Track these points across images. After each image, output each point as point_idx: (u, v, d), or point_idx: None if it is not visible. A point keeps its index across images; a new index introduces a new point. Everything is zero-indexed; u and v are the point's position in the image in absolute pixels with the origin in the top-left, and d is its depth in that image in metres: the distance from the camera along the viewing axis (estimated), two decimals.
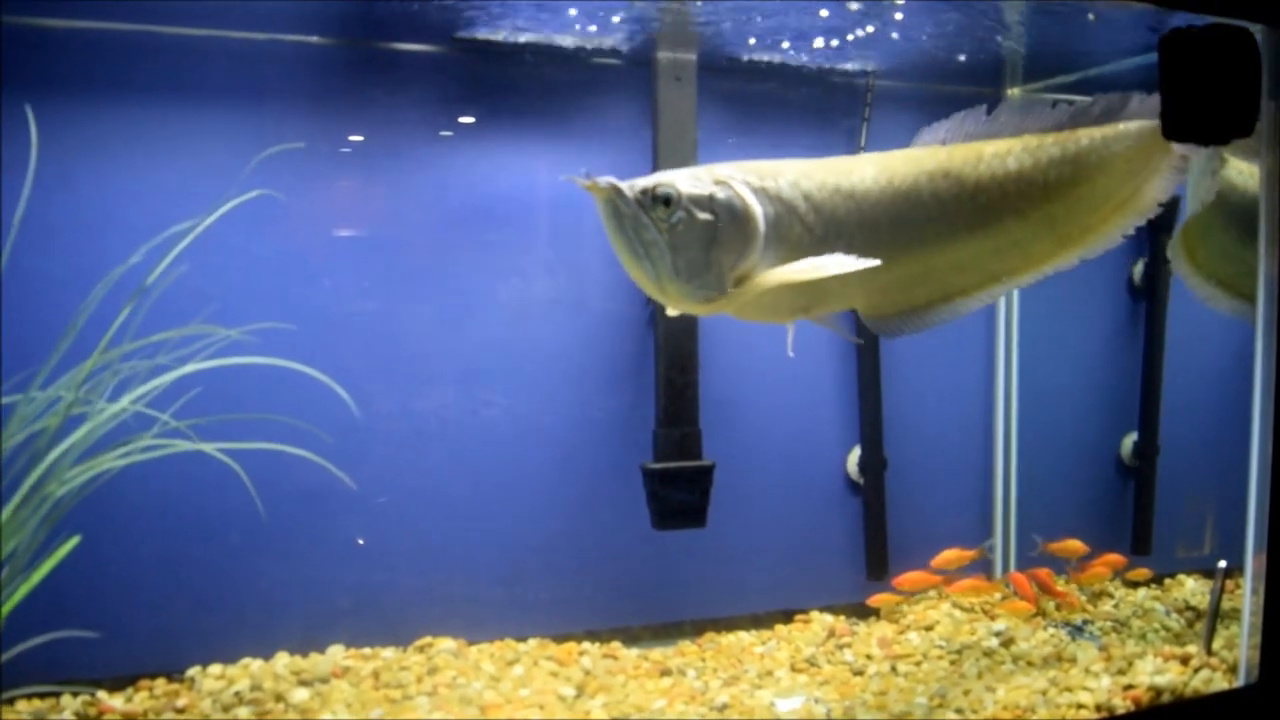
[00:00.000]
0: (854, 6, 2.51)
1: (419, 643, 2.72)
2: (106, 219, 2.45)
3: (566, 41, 2.70)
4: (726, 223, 2.04)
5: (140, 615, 2.51)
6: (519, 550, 2.85)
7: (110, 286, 2.28)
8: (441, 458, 2.77)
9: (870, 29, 2.65)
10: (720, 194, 2.05)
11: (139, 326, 2.29)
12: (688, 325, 2.77)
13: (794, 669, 2.78)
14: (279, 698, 2.40)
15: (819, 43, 2.74)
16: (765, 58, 2.89)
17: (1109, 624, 3.16)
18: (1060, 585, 3.27)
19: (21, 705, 2.29)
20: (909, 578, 3.11)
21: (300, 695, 2.41)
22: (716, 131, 2.95)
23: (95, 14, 2.43)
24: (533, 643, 2.83)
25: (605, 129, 2.90)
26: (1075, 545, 3.20)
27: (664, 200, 1.99)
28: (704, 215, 2.02)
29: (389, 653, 2.68)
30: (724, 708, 2.48)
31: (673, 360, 2.76)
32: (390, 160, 2.71)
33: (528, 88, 2.83)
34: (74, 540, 2.16)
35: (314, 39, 2.64)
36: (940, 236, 2.25)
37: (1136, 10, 2.49)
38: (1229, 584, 2.78)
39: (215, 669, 2.53)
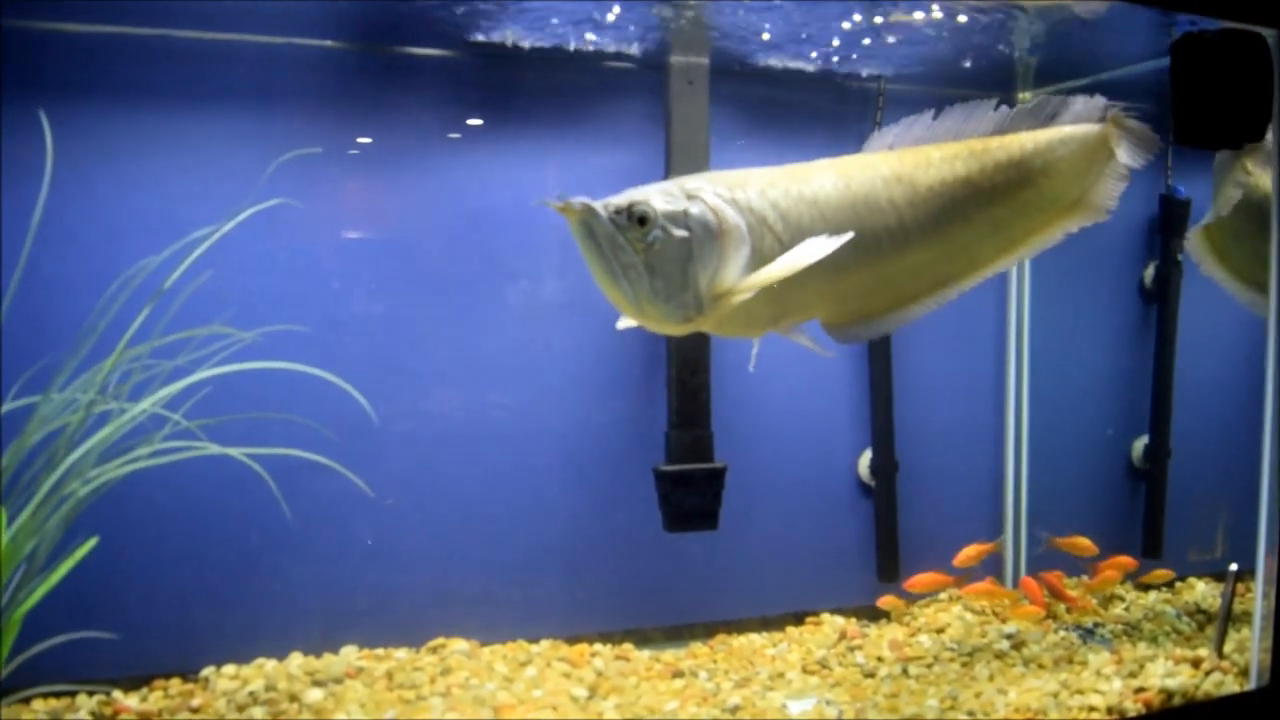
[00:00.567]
0: (867, 19, 2.52)
1: (432, 644, 2.73)
2: (124, 223, 2.47)
3: (579, 46, 2.71)
4: (702, 238, 2.02)
5: (155, 615, 2.51)
6: (532, 552, 2.86)
7: (130, 291, 2.29)
8: (455, 460, 2.78)
9: (892, 39, 2.67)
10: (694, 209, 2.03)
11: (159, 330, 2.31)
12: None
13: (805, 671, 2.78)
14: (293, 698, 2.41)
15: (835, 43, 2.74)
16: (777, 62, 2.90)
17: (1120, 627, 3.16)
18: (1072, 589, 3.27)
19: (38, 704, 2.31)
20: (920, 579, 3.11)
21: (314, 695, 2.42)
22: (728, 135, 2.96)
23: (113, 18, 2.45)
24: (545, 644, 2.84)
25: (618, 133, 2.91)
26: (1083, 542, 3.19)
27: (640, 219, 1.98)
28: (680, 232, 2.01)
29: (402, 653, 2.69)
30: (736, 709, 2.49)
31: (684, 362, 2.77)
32: (405, 164, 2.72)
33: (541, 91, 2.84)
34: (92, 541, 2.18)
35: (329, 43, 2.65)
36: (895, 241, 2.26)
37: (1148, 14, 2.49)
38: (1240, 587, 2.78)
39: (230, 669, 2.54)
